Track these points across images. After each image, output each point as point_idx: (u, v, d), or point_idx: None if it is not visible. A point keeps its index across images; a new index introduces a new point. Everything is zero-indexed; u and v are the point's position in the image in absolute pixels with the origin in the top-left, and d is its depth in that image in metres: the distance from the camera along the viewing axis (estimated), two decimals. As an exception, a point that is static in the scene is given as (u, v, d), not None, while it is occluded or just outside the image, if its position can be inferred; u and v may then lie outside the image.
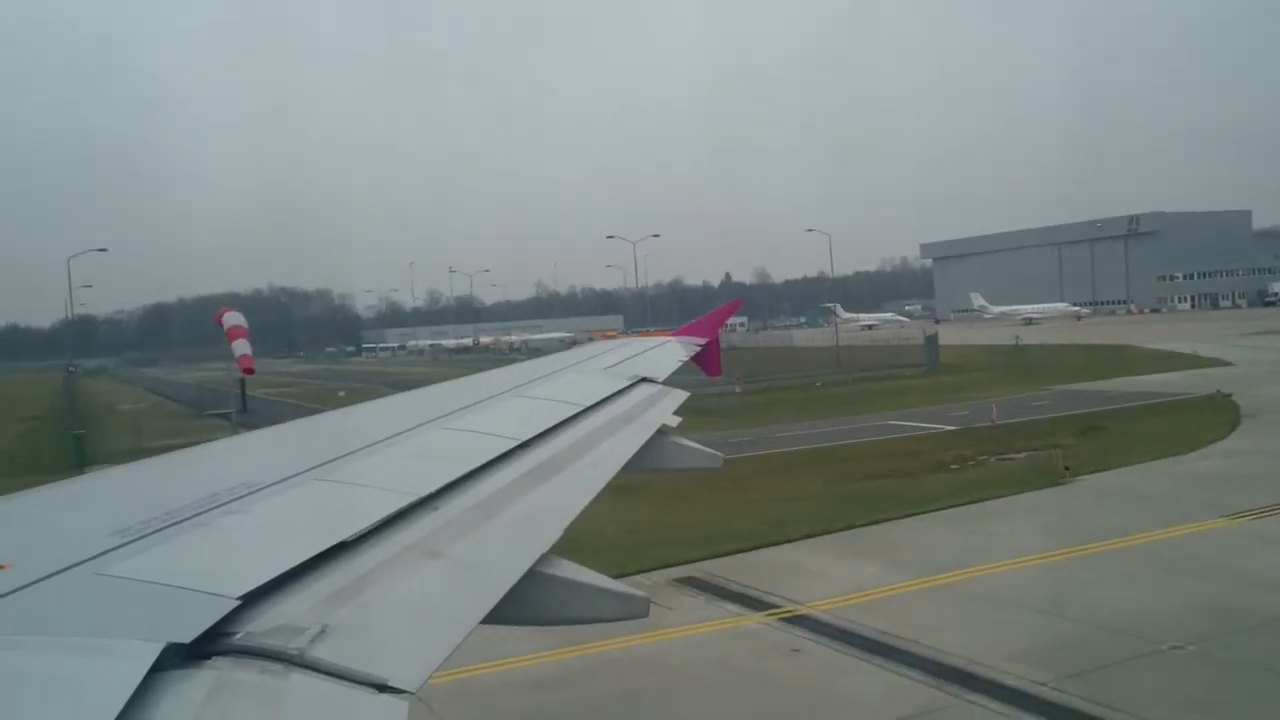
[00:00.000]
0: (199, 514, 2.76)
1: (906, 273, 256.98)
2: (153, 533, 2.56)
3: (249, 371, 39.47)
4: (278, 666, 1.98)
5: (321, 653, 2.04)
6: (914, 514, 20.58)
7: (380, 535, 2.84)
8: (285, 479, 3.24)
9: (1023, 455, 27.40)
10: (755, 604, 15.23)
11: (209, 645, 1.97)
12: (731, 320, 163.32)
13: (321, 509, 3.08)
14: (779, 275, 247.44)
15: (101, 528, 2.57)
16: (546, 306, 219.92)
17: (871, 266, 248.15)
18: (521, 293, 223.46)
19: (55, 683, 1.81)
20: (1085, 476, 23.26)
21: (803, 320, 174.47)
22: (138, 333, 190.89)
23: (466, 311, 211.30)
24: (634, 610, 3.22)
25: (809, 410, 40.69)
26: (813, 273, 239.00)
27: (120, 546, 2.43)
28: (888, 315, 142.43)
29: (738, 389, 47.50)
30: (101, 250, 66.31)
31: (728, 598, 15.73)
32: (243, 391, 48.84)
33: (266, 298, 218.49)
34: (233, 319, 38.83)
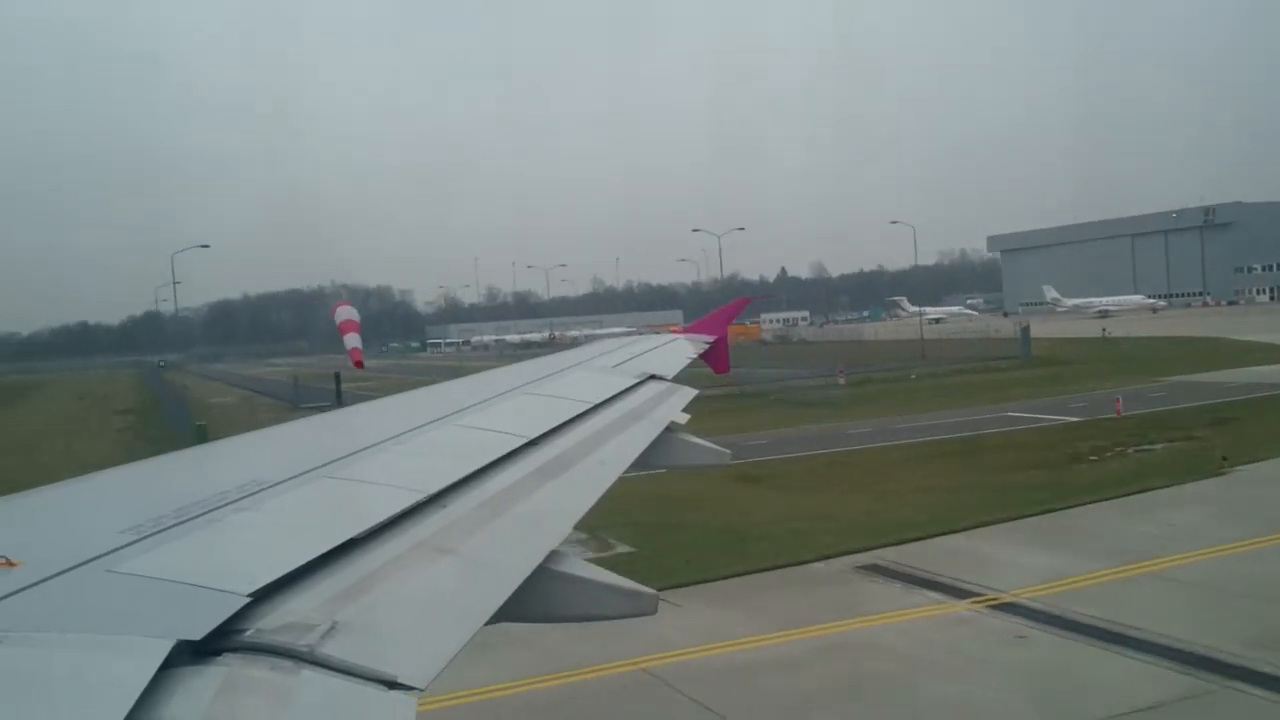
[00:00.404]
0: (209, 511, 2.81)
1: (965, 266, 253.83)
2: (163, 530, 2.61)
3: (359, 365, 40.00)
4: (287, 663, 2.01)
5: (331, 650, 2.08)
6: (1080, 504, 20.59)
7: (389, 532, 2.89)
8: (294, 476, 3.30)
9: (1160, 446, 27.06)
10: (954, 591, 15.24)
11: (219, 642, 2.01)
12: (792, 314, 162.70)
13: (331, 506, 3.14)
14: (835, 269, 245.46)
15: (112, 525, 2.62)
16: (604, 302, 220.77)
17: (929, 260, 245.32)
18: (578, 288, 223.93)
19: (66, 679, 1.84)
20: (1242, 467, 22.79)
21: (865, 314, 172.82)
22: (203, 329, 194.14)
23: (524, 307, 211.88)
24: (642, 607, 3.22)
25: (917, 402, 40.54)
26: (869, 267, 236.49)
27: (131, 544, 2.48)
28: (955, 309, 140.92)
29: (841, 381, 47.28)
30: (204, 246, 67.70)
31: (921, 585, 15.78)
32: (338, 385, 49.52)
33: (329, 294, 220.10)
34: (345, 313, 39.43)
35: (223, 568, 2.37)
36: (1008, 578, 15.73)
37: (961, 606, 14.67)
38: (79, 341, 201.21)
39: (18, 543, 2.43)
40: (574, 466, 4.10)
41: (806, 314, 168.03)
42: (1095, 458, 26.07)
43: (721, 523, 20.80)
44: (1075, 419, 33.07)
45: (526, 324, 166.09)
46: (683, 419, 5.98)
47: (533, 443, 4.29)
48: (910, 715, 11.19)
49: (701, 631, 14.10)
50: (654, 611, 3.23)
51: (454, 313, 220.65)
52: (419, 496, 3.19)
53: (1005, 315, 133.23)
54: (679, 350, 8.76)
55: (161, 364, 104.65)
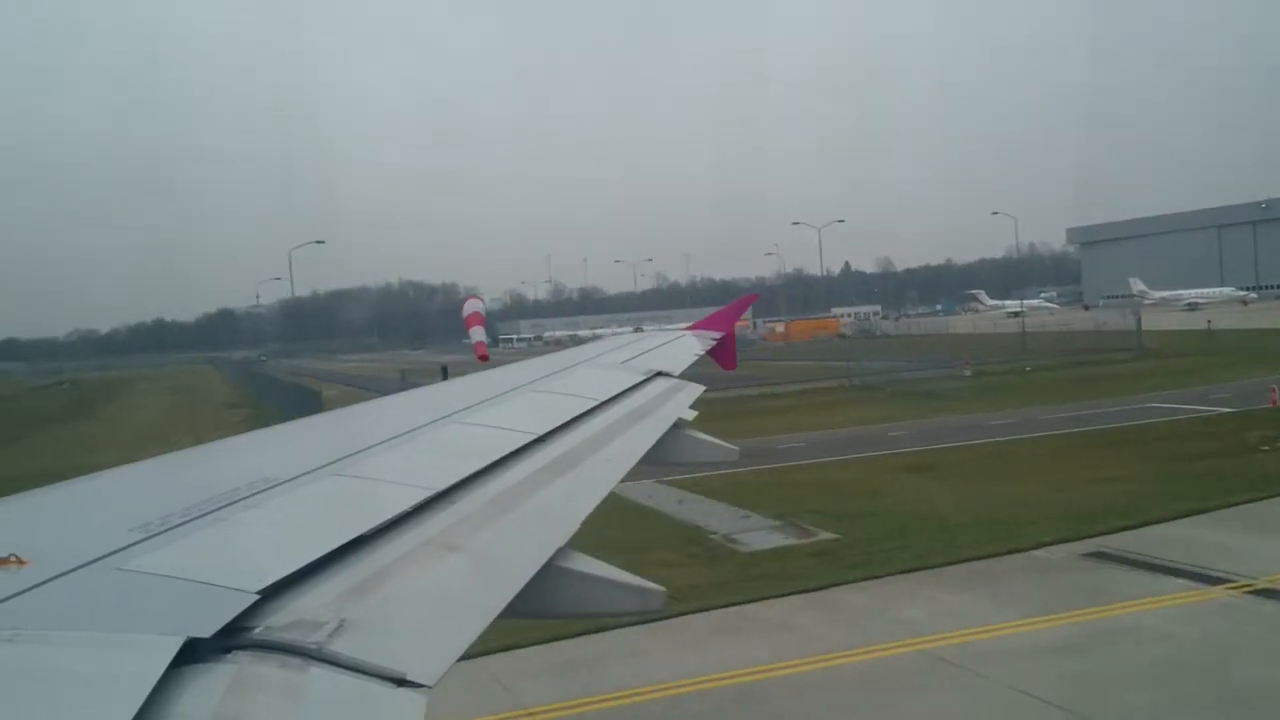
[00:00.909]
0: (218, 509, 2.89)
1: (1035, 259, 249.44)
2: (172, 528, 2.67)
3: (483, 359, 40.57)
4: (297, 660, 2.06)
5: (340, 647, 2.13)
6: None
7: (398, 530, 2.96)
8: (303, 474, 3.38)
9: (1329, 437, 26.28)
10: (1201, 578, 15.30)
11: (228, 639, 2.06)
12: (864, 308, 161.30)
13: (339, 504, 3.21)
14: (900, 263, 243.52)
15: (122, 523, 2.69)
16: (667, 297, 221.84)
17: (997, 253, 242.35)
18: (641, 284, 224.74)
19: (76, 678, 1.87)
20: None
21: (938, 308, 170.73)
22: (275, 326, 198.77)
23: (589, 303, 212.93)
24: (649, 603, 3.27)
25: (1048, 393, 40.08)
26: (935, 260, 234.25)
27: (140, 542, 2.54)
28: (1034, 302, 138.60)
29: (967, 372, 46.94)
30: (319, 242, 69.35)
31: (1161, 571, 15.68)
32: (445, 378, 50.17)
33: (395, 291, 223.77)
34: (472, 306, 40.12)
35: (231, 565, 2.42)
36: (1252, 564, 15.66)
37: (1218, 593, 14.58)
38: (154, 338, 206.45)
39: (27, 541, 2.47)
40: (581, 463, 4.18)
41: (879, 308, 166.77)
42: (1268, 448, 25.59)
43: (913, 510, 20.83)
44: (1226, 409, 32.50)
45: (596, 319, 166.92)
46: (690, 415, 6.10)
47: (540, 440, 4.37)
48: (1236, 698, 11.11)
49: (958, 617, 14.24)
50: (661, 608, 3.28)
51: (519, 309, 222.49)
52: (427, 494, 3.27)
53: (1086, 308, 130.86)
54: (686, 347, 8.92)
55: (263, 358, 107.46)
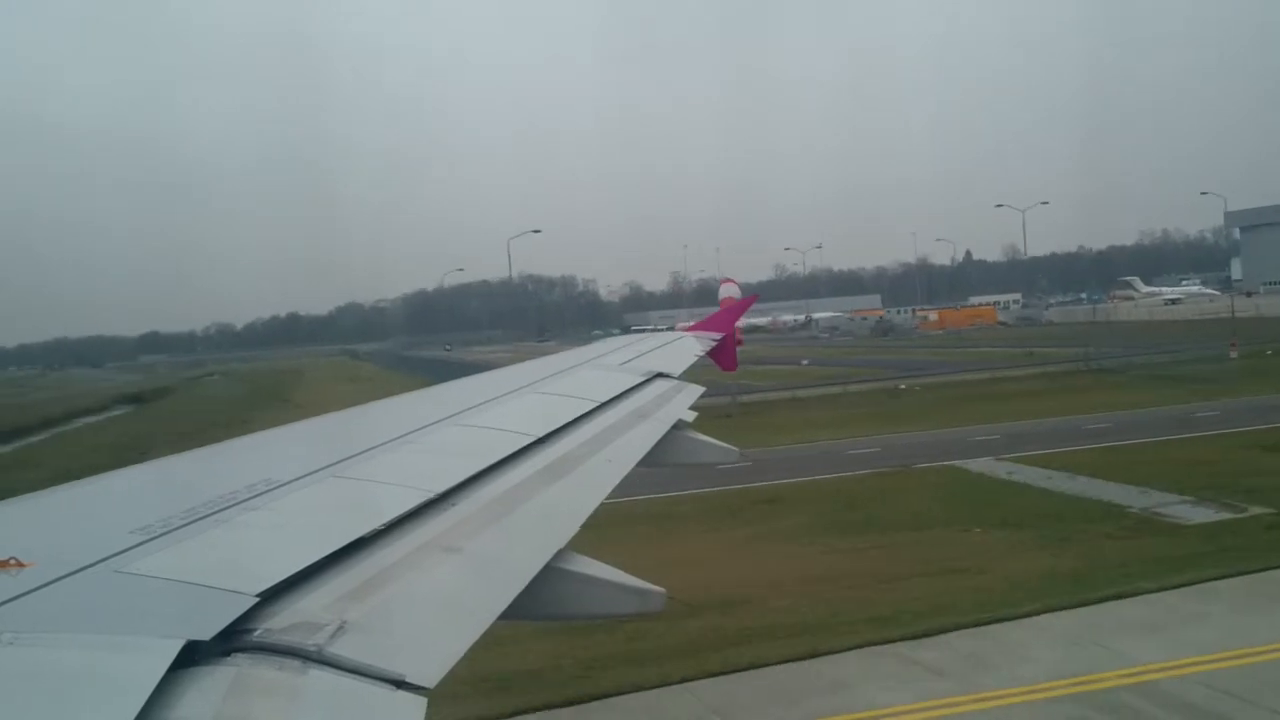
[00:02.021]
0: (218, 512, 2.88)
1: (1168, 245, 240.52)
2: (172, 530, 2.67)
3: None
4: (296, 663, 2.05)
5: (340, 649, 2.13)
6: None
7: (398, 532, 2.96)
8: (303, 476, 3.37)
9: None
10: None
11: (228, 642, 2.06)
12: (1002, 297, 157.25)
13: (339, 506, 3.21)
14: (1028, 250, 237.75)
15: (122, 526, 2.68)
16: (782, 287, 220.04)
17: (1128, 240, 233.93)
18: (758, 274, 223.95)
19: (77, 680, 1.87)
20: None
21: (1083, 296, 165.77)
22: (400, 319, 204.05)
23: (706, 293, 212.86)
24: (649, 605, 3.23)
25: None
26: (1065, 248, 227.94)
27: (140, 544, 2.53)
28: (1193, 289, 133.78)
29: (1233, 355, 45.88)
30: (536, 231, 71.03)
31: None
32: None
33: (516, 285, 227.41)
34: (727, 291, 40.39)
35: (231, 568, 2.43)
36: None
37: None
38: (288, 331, 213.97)
39: (28, 544, 2.48)
40: (581, 465, 4.18)
41: (1018, 296, 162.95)
42: None
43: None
44: None
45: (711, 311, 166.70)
46: (690, 416, 6.03)
47: (540, 441, 4.37)
48: None
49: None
50: (661, 609, 3.24)
51: (637, 300, 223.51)
52: (427, 496, 3.27)
53: (1248, 295, 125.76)
54: (686, 348, 8.97)
55: (448, 347, 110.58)
